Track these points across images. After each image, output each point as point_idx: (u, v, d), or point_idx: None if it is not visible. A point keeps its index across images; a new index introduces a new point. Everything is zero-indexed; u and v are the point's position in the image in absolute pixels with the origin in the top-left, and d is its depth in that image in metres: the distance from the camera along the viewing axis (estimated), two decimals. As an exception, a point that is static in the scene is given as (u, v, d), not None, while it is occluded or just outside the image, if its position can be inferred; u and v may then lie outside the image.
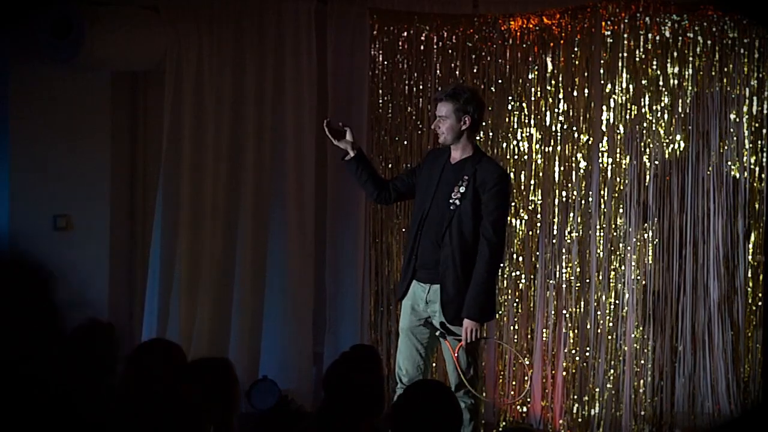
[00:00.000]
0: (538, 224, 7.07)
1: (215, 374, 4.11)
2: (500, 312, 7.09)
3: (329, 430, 4.23)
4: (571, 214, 6.99)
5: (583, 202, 6.97)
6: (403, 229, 7.16)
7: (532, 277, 7.10)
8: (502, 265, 6.79)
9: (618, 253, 6.92)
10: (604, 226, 6.91)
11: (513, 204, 6.97)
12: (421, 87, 7.22)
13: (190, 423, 3.22)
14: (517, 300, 7.12)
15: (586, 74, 6.97)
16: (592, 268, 6.93)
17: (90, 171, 6.91)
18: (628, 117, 6.90)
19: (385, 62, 7.25)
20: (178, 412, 3.23)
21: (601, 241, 6.91)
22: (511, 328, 7.13)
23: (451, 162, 5.61)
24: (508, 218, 6.30)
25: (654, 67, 6.89)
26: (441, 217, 5.54)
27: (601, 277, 6.92)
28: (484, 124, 6.85)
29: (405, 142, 7.25)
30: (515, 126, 7.13)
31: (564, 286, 6.99)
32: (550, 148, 7.05)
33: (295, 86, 7.12)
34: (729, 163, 6.88)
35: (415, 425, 3.59)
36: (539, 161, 7.08)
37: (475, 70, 7.20)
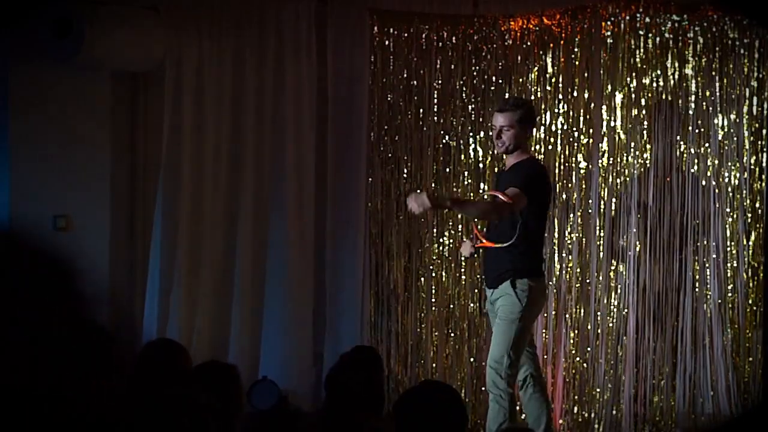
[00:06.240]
0: (537, 224, 7.06)
1: (222, 378, 4.11)
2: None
3: (330, 431, 4.24)
4: (571, 215, 6.99)
5: (583, 202, 6.97)
6: (405, 230, 7.18)
7: (532, 277, 7.10)
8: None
9: (618, 253, 6.91)
10: (604, 226, 6.91)
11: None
12: (421, 87, 7.22)
13: (193, 424, 3.22)
14: (517, 300, 7.11)
15: (586, 75, 6.97)
16: (592, 268, 6.93)
17: (90, 171, 6.91)
18: (627, 117, 6.90)
19: (385, 62, 7.25)
20: (182, 413, 3.23)
21: (602, 242, 6.91)
22: (511, 328, 7.12)
23: (505, 169, 5.83)
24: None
25: (654, 67, 6.88)
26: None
27: (601, 278, 6.92)
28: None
29: (405, 142, 7.24)
30: (515, 126, 7.12)
31: (564, 286, 6.99)
32: (550, 148, 7.05)
33: (295, 86, 7.12)
34: (729, 163, 6.88)
35: (419, 427, 3.57)
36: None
37: (475, 70, 7.20)
